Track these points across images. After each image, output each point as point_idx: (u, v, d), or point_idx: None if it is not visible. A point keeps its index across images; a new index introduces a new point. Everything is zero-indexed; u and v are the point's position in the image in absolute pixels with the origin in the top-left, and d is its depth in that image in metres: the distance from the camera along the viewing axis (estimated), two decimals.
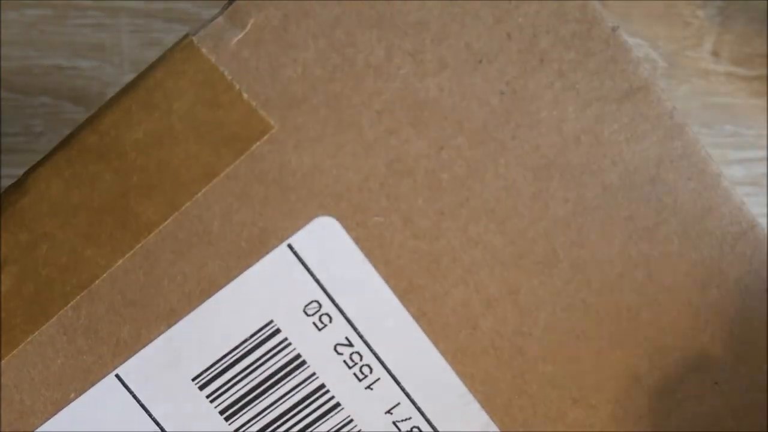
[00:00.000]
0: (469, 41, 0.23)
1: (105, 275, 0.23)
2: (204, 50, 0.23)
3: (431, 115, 0.23)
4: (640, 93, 0.23)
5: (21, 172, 0.32)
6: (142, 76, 0.23)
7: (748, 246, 0.23)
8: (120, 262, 0.23)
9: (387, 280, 0.23)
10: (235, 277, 0.23)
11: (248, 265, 0.23)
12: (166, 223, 0.23)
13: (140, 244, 0.23)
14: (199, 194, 0.23)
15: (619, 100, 0.23)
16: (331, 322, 0.24)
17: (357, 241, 0.23)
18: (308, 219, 0.23)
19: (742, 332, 0.24)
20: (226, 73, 0.23)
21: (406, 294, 0.23)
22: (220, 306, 0.23)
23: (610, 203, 0.23)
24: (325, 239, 0.23)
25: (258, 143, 0.23)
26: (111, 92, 0.32)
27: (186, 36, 0.23)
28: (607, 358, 0.24)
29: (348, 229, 0.23)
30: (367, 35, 0.23)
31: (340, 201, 0.23)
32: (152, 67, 0.23)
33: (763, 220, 0.33)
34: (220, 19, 0.23)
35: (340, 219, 0.23)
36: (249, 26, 0.23)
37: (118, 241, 0.23)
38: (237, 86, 0.23)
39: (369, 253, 0.23)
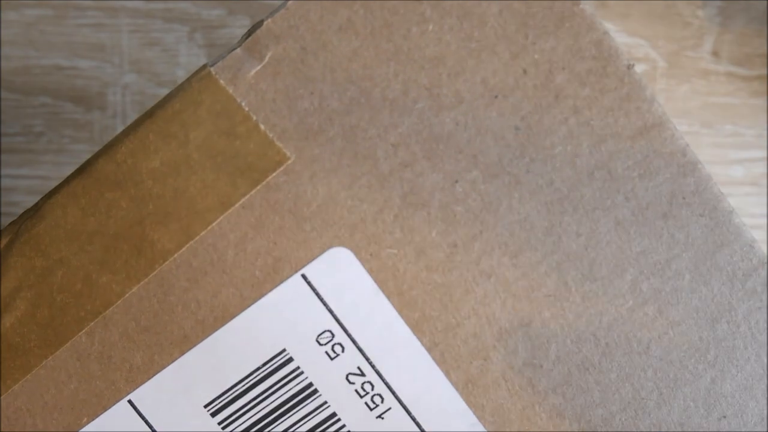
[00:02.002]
0: (485, 76, 0.23)
1: (119, 302, 0.23)
2: (222, 81, 0.23)
3: (446, 149, 0.23)
4: (654, 130, 0.23)
5: (21, 172, 0.32)
6: (159, 106, 0.23)
7: (759, 282, 0.24)
8: (134, 288, 0.23)
9: (399, 311, 0.24)
10: (249, 305, 0.24)
11: (262, 294, 0.24)
12: (181, 251, 0.23)
13: (155, 272, 0.23)
14: (215, 223, 0.23)
15: (633, 137, 0.23)
16: (343, 351, 0.24)
17: (370, 272, 0.23)
18: (322, 249, 0.23)
19: (752, 367, 0.24)
20: (243, 104, 0.23)
21: (418, 325, 0.24)
22: (233, 334, 0.24)
23: (622, 238, 0.23)
24: (338, 270, 0.23)
25: (274, 174, 0.23)
26: (111, 92, 0.32)
27: (204, 66, 0.23)
28: (616, 391, 0.24)
29: (362, 260, 0.23)
30: (384, 69, 0.23)
31: (354, 232, 0.23)
32: (170, 96, 0.23)
33: (763, 220, 0.33)
34: (239, 50, 0.23)
35: (354, 250, 0.23)
36: (267, 58, 0.23)
37: (132, 268, 0.23)
38: (254, 117, 0.23)
39: (382, 284, 0.23)
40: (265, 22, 0.23)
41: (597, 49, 0.23)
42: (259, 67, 0.23)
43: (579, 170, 0.23)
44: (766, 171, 0.33)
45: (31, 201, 0.32)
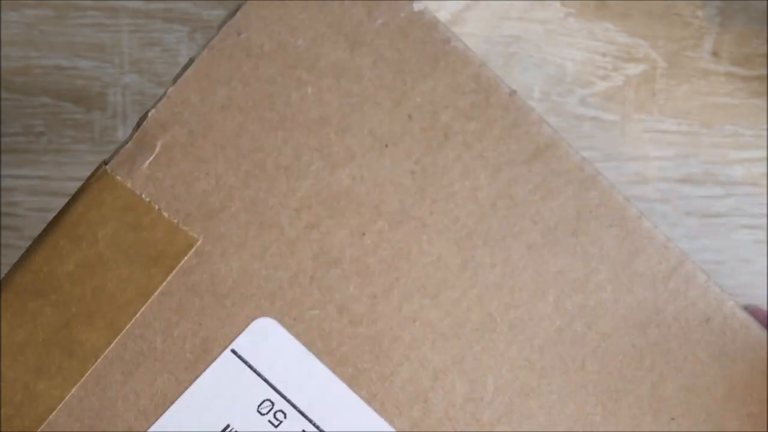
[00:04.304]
0: (372, 128, 0.23)
1: (60, 406, 0.24)
2: (119, 177, 0.23)
3: (348, 204, 0.23)
4: (547, 151, 0.23)
5: (21, 172, 0.32)
6: (64, 211, 0.24)
7: (681, 281, 0.24)
8: (73, 391, 0.24)
9: (333, 369, 0.24)
10: (186, 388, 0.24)
11: (197, 375, 0.24)
12: (111, 346, 0.24)
13: (89, 371, 0.24)
14: (138, 314, 0.24)
15: (528, 161, 0.23)
16: (285, 417, 0.24)
17: (297, 336, 0.24)
18: (247, 322, 0.24)
19: (690, 365, 0.24)
20: (143, 195, 0.23)
21: (353, 379, 0.24)
22: (176, 418, 0.24)
23: (537, 261, 0.24)
24: (266, 339, 0.24)
25: (186, 258, 0.23)
26: (111, 92, 0.32)
27: (100, 166, 0.23)
28: (560, 411, 0.24)
29: (286, 326, 0.24)
30: (272, 138, 0.23)
31: (274, 300, 0.24)
32: (73, 200, 0.24)
33: (762, 220, 0.33)
34: (130, 145, 0.23)
35: (278, 317, 0.24)
36: (158, 147, 0.23)
37: (67, 371, 0.24)
38: (156, 207, 0.23)
39: (311, 346, 0.24)
40: (149, 114, 0.23)
41: (476, 82, 0.23)
42: (151, 158, 0.23)
43: (482, 203, 0.23)
44: (766, 171, 0.33)
45: (31, 201, 0.32)
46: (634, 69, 0.33)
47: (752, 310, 0.26)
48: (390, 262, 0.24)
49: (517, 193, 0.23)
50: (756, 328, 0.24)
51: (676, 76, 0.33)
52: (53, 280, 0.24)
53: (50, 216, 0.32)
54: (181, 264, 0.23)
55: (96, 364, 0.24)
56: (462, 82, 0.23)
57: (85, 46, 0.32)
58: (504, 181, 0.23)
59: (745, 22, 0.32)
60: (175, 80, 0.23)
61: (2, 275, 0.32)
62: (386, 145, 0.23)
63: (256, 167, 0.23)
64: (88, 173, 0.32)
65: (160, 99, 0.23)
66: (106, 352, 0.24)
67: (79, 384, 0.24)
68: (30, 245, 0.24)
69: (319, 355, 0.24)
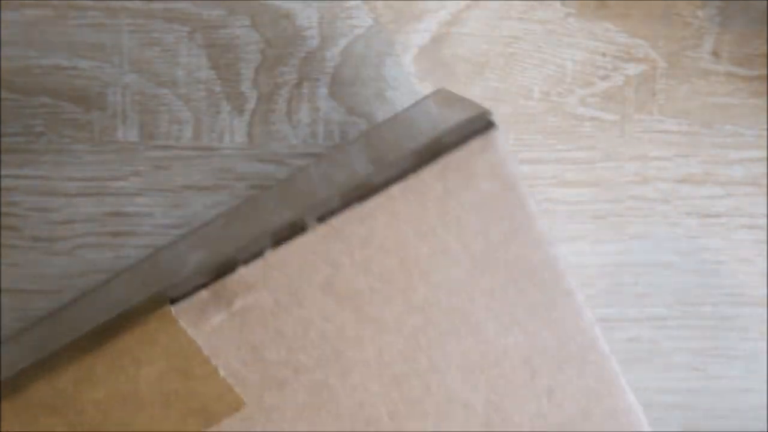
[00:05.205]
0: (465, 349, 0.22)
1: None
2: (182, 322, 0.21)
3: (412, 412, 0.22)
4: None
5: (21, 172, 0.31)
6: (111, 335, 0.21)
7: None
8: None
9: None
10: None
11: None
12: None
13: None
14: None
15: None
16: None
17: None
18: None
19: None
20: (204, 347, 0.21)
21: None
22: None
23: None
24: None
25: (228, 419, 0.22)
26: (111, 92, 0.32)
27: (163, 300, 0.21)
28: None
29: None
30: (361, 332, 0.21)
31: None
32: (123, 326, 0.21)
33: (762, 220, 0.33)
34: (205, 293, 0.21)
35: None
36: (235, 306, 0.21)
37: None
38: (213, 362, 0.21)
39: None
40: (237, 270, 0.21)
41: None
42: (225, 315, 0.21)
43: None
44: (766, 171, 0.33)
45: (31, 201, 0.32)
46: (634, 69, 0.33)
47: None
48: None
49: None
50: None
51: (676, 76, 0.33)
52: (77, 403, 0.21)
53: (50, 216, 0.31)
54: (220, 424, 0.22)
55: None
56: None
57: (85, 46, 0.32)
58: None
59: (745, 22, 0.32)
60: (275, 243, 0.21)
61: (2, 275, 0.32)
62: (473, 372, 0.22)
63: (334, 355, 0.21)
64: (88, 173, 0.31)
65: (254, 257, 0.21)
66: None
67: None
68: (60, 353, 0.21)
69: None
